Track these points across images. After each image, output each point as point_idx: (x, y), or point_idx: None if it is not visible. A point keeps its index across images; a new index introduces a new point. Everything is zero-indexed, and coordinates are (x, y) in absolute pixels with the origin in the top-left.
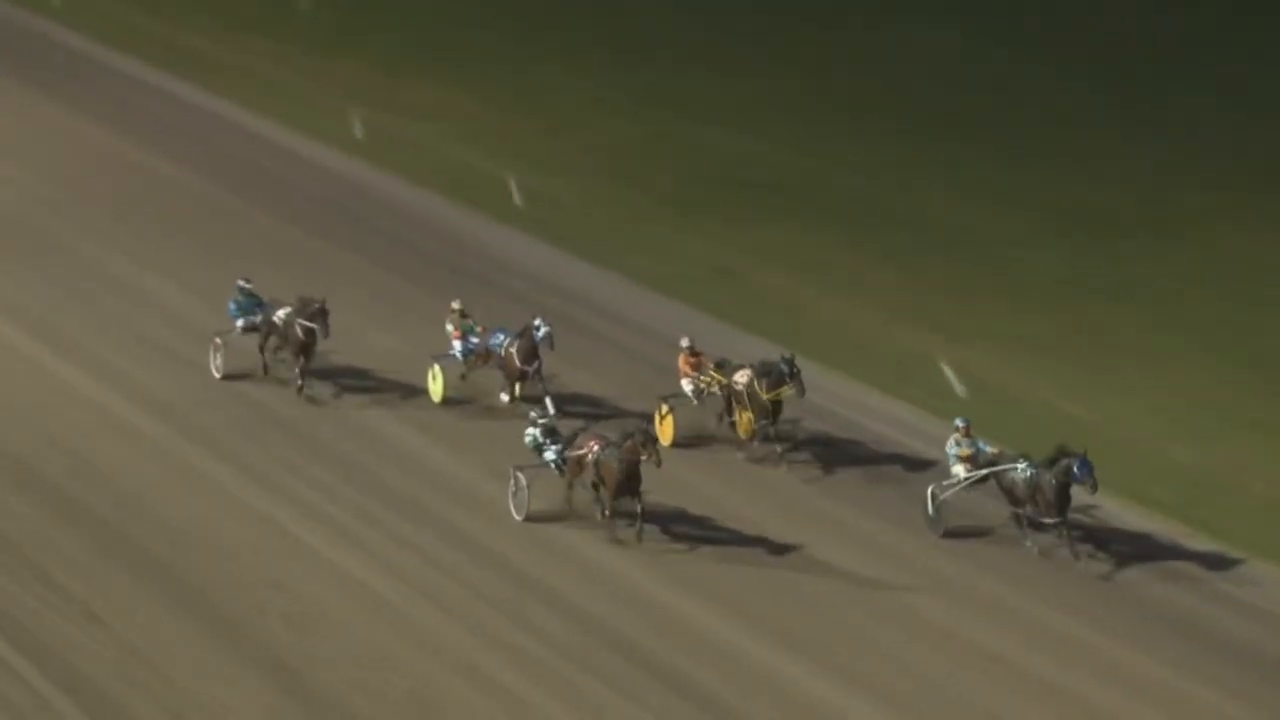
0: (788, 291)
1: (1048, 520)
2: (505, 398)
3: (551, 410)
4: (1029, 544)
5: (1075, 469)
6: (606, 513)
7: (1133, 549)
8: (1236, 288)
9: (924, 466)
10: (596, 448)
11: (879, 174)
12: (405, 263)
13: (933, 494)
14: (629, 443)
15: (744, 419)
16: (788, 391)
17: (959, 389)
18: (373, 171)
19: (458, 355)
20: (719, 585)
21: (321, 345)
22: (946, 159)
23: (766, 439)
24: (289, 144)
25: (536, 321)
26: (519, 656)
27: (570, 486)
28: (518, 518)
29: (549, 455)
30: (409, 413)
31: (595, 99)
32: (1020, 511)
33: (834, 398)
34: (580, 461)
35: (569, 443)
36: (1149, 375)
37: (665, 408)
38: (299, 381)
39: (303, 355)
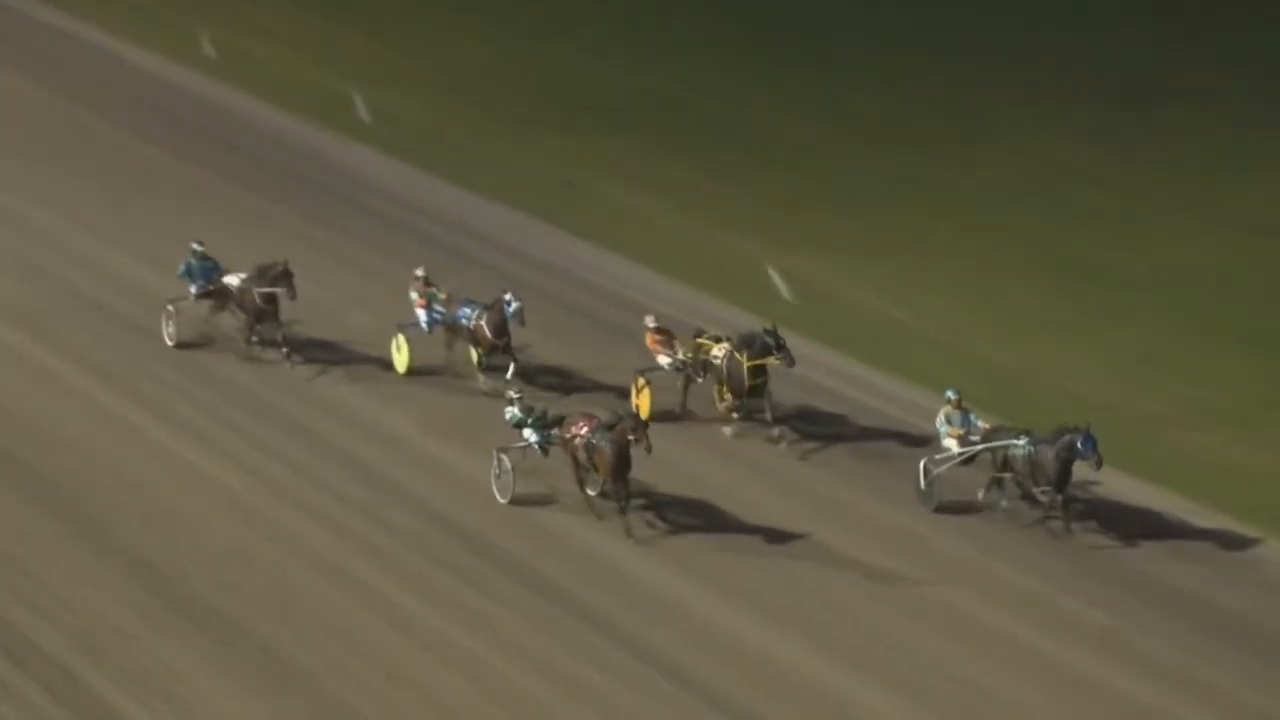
0: (627, 203)
1: (1043, 496)
2: (480, 377)
3: (515, 394)
4: (1004, 504)
5: (1079, 444)
6: (594, 494)
7: (1135, 525)
8: (1044, 193)
9: (918, 442)
10: (586, 430)
11: (713, 93)
12: (263, 181)
13: (925, 468)
14: (619, 426)
15: (721, 391)
16: (774, 362)
17: (785, 293)
18: (227, 90)
19: (423, 324)
20: (679, 548)
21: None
22: (774, 78)
23: (757, 418)
24: (141, 62)
25: (507, 296)
26: (378, 555)
27: (578, 475)
28: (502, 501)
29: (532, 437)
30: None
31: (449, 22)
32: (1002, 477)
33: (833, 373)
34: (570, 444)
35: (555, 424)
36: (965, 278)
37: (642, 382)
38: (251, 344)
39: (261, 321)
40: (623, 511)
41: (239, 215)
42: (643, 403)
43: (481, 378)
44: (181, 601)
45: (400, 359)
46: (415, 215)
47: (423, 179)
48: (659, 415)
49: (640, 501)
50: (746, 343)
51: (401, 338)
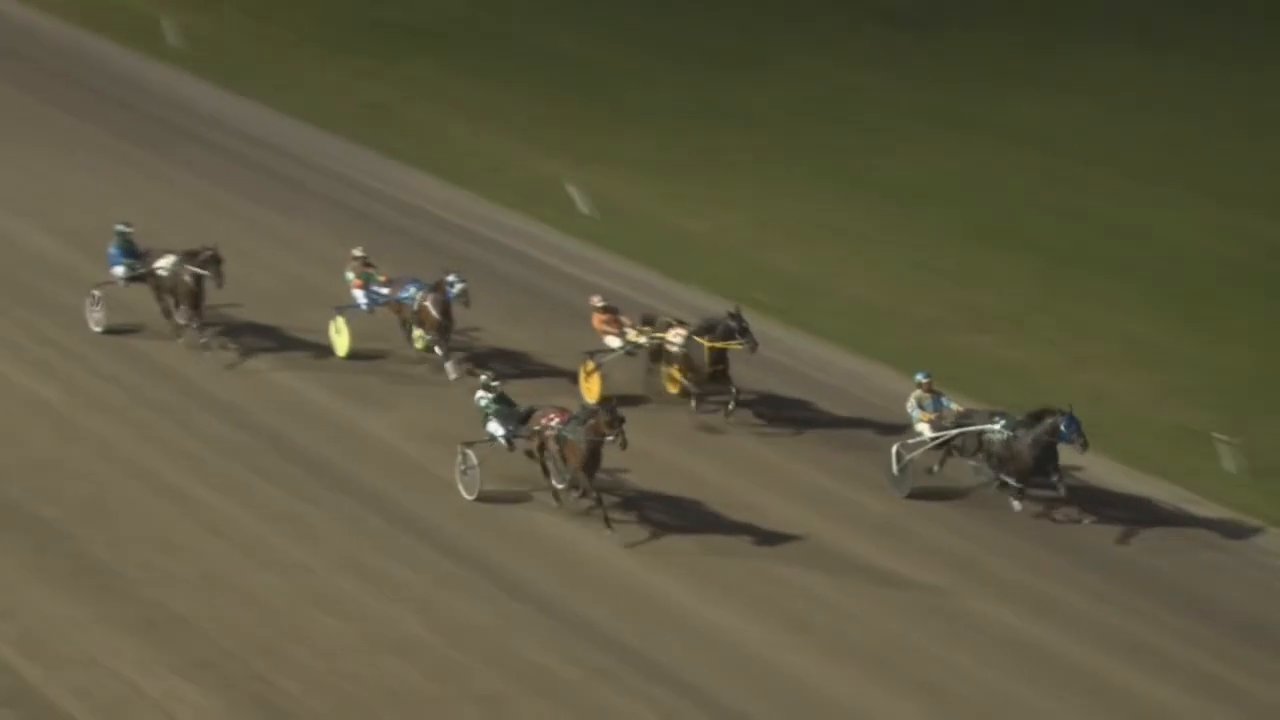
0: (433, 123)
1: (1010, 480)
2: (439, 351)
3: (453, 376)
4: (1016, 503)
5: (1063, 428)
6: (559, 489)
7: (1125, 515)
8: (828, 112)
9: (890, 429)
10: (557, 422)
11: (516, 16)
12: (76, 102)
13: (898, 453)
14: (593, 421)
15: (671, 374)
16: (737, 347)
17: (584, 207)
18: (34, 13)
19: (362, 305)
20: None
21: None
22: (573, 1)
23: (729, 413)
24: None
25: (450, 278)
26: (194, 463)
27: (542, 466)
28: (468, 498)
29: (497, 431)
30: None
31: None
32: (976, 463)
33: (632, 283)
34: (539, 437)
35: (524, 419)
36: (754, 192)
37: (591, 365)
38: (182, 331)
39: (190, 304)
40: (599, 504)
41: (51, 135)
42: (592, 388)
43: (422, 348)
44: (2, 510)
45: (340, 341)
46: (229, 137)
47: (233, 101)
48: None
49: (605, 494)
50: (708, 327)
51: (340, 320)
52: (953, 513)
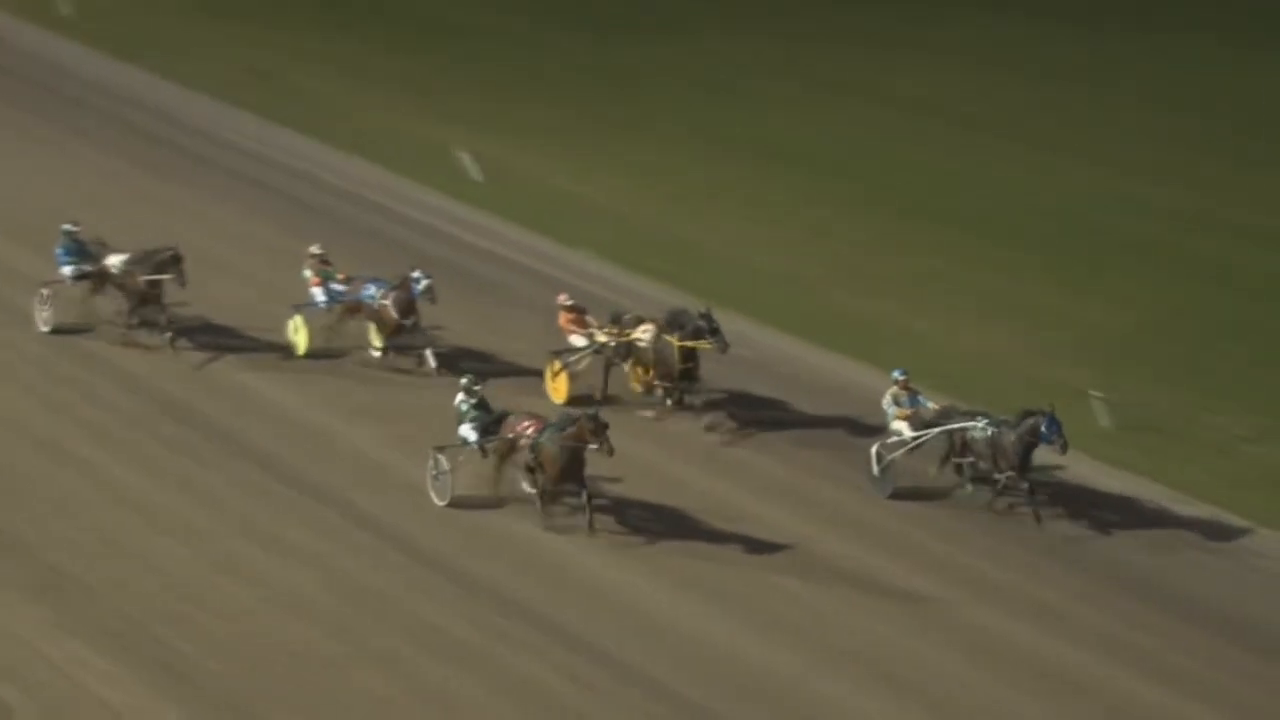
0: (322, 91)
1: (1001, 477)
2: (376, 353)
3: (433, 364)
4: (968, 488)
5: (1044, 428)
6: (540, 499)
7: (1105, 514)
8: (717, 80)
9: (868, 431)
10: (532, 430)
11: None
12: None
13: (878, 454)
14: (574, 428)
15: (637, 373)
16: (707, 346)
17: (474, 174)
18: None
19: (320, 304)
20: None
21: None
22: None
23: (680, 403)
24: None
25: (415, 274)
26: (96, 431)
27: (498, 470)
28: (440, 504)
29: (469, 436)
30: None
31: None
32: (962, 462)
33: (521, 248)
34: (513, 444)
35: (496, 424)
36: (643, 158)
37: (558, 365)
38: (130, 328)
39: (143, 305)
40: (590, 526)
41: None
42: (559, 388)
43: (378, 353)
44: None
45: (299, 340)
46: (120, 105)
47: (123, 70)
48: (577, 399)
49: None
50: (677, 324)
51: (299, 319)
52: (933, 512)
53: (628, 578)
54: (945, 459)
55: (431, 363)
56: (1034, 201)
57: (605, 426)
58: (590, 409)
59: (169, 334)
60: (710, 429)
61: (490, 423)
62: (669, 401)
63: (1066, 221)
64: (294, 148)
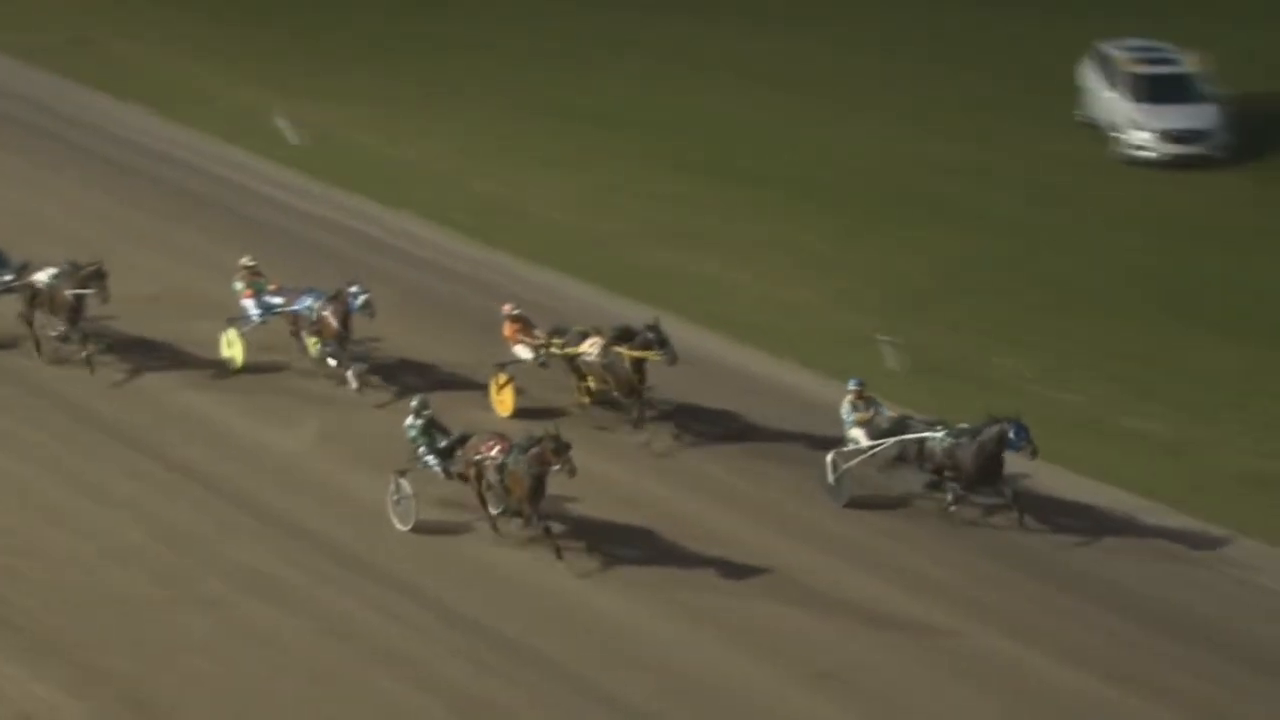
0: (142, 57)
1: (965, 489)
2: (334, 362)
3: (354, 385)
4: (952, 507)
5: (1011, 435)
6: (524, 523)
7: (1076, 523)
8: (522, 42)
9: (824, 443)
10: (498, 451)
11: None
12: None
13: (833, 462)
14: (537, 449)
15: (583, 387)
16: (655, 357)
17: (292, 138)
18: None
19: (254, 317)
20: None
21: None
22: None
23: (633, 416)
24: None
25: (353, 289)
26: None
27: (483, 499)
28: (402, 529)
29: (430, 460)
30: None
31: None
32: (935, 476)
33: (338, 208)
34: (479, 467)
35: (457, 445)
36: (453, 120)
37: (504, 377)
38: (65, 340)
39: (71, 321)
40: (547, 533)
41: None
42: (505, 400)
43: (333, 365)
44: None
45: (233, 354)
46: None
47: None
48: (521, 412)
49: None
50: (625, 336)
51: (233, 332)
52: (893, 521)
53: (499, 552)
54: (897, 461)
55: (353, 384)
56: (833, 158)
57: (568, 447)
58: (552, 429)
59: (86, 351)
60: (637, 428)
61: (452, 444)
62: (636, 413)
63: (862, 176)
64: (108, 112)
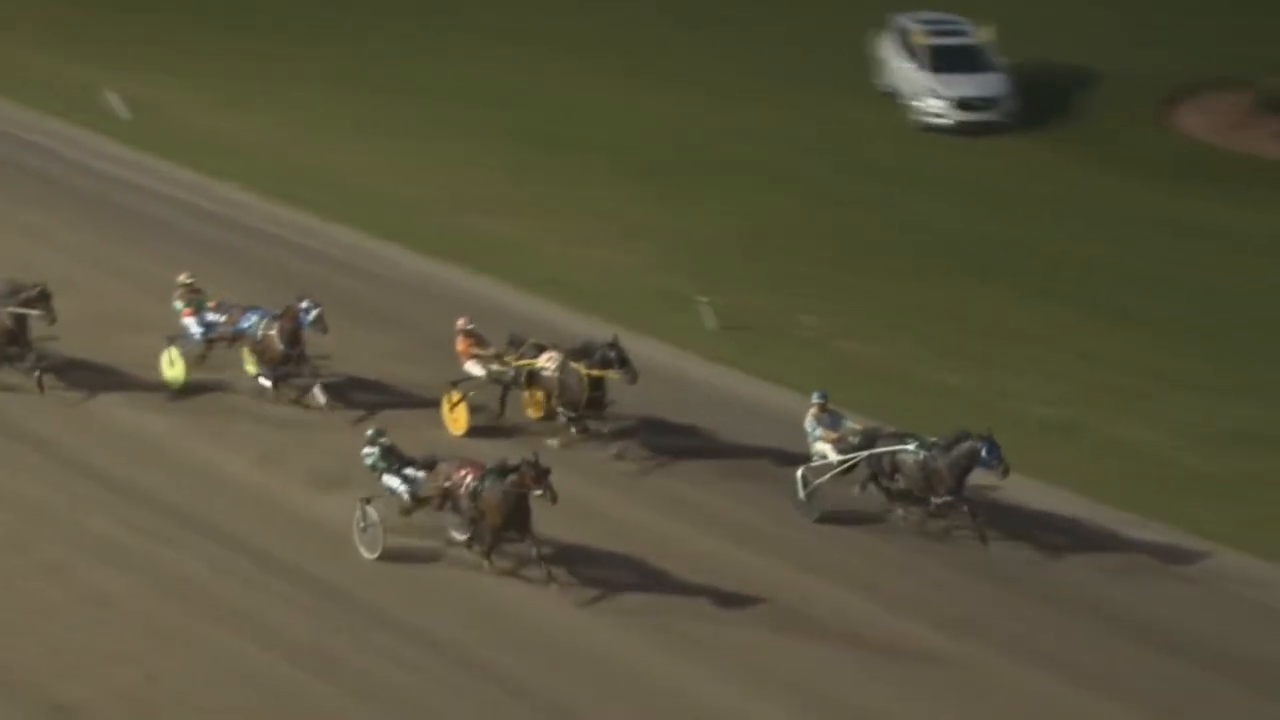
0: None
1: (938, 501)
2: (267, 383)
3: (322, 401)
4: (900, 512)
5: (984, 453)
6: (486, 552)
7: (1051, 535)
8: (350, 20)
9: (792, 460)
10: (470, 477)
11: None
12: None
13: (804, 478)
14: (516, 475)
15: (535, 399)
16: (615, 376)
17: (122, 113)
18: None
19: (195, 335)
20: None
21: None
22: None
23: (585, 430)
24: None
25: (304, 304)
26: None
27: (411, 510)
28: (370, 557)
29: (396, 485)
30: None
31: None
32: (891, 485)
33: (166, 180)
34: (449, 493)
35: (425, 469)
36: (279, 96)
37: (456, 395)
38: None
39: (14, 344)
40: (548, 577)
41: None
42: (458, 419)
43: (269, 390)
44: None
45: (174, 373)
46: None
47: None
48: (476, 430)
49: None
50: (584, 352)
51: (174, 351)
52: (859, 535)
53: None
54: (870, 480)
55: (320, 399)
56: (646, 127)
57: (547, 472)
58: (529, 455)
59: (36, 372)
60: (619, 457)
61: (419, 469)
62: (574, 430)
63: (675, 144)
64: None
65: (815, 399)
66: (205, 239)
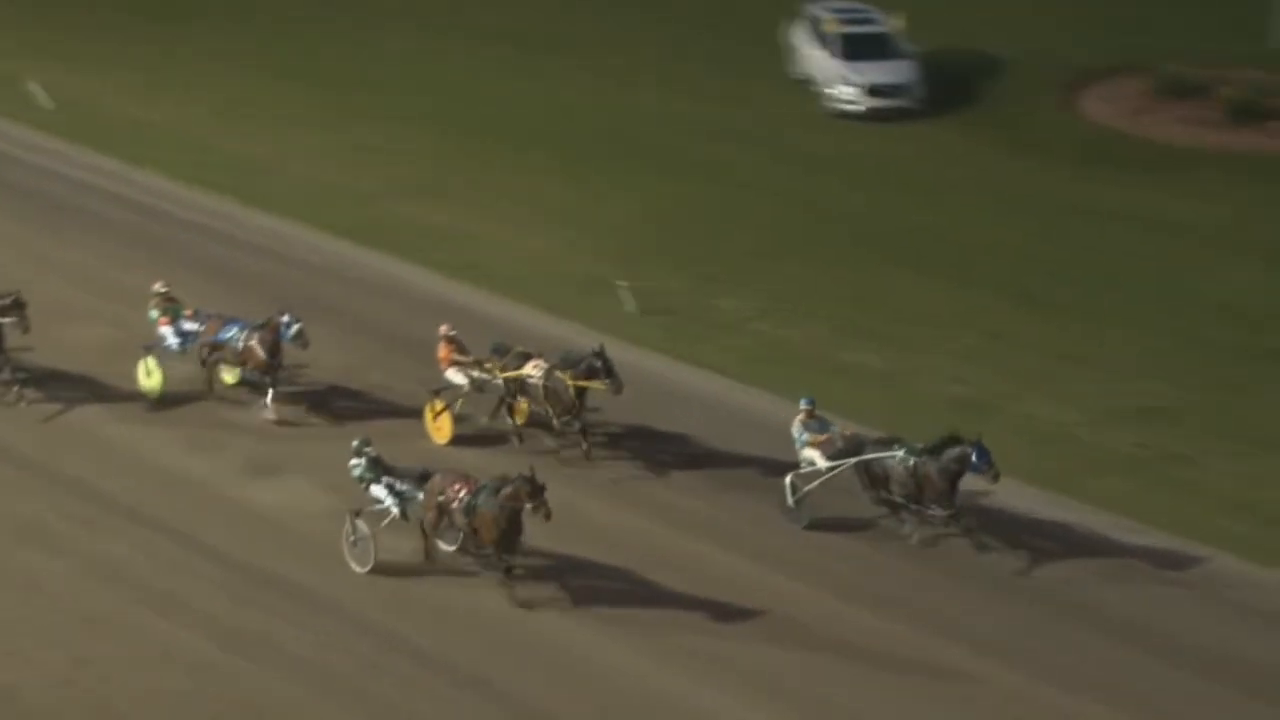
0: None
1: (932, 510)
2: (269, 405)
3: (272, 416)
4: (908, 529)
5: (974, 458)
6: (504, 572)
7: (1044, 541)
8: (278, 12)
9: (780, 469)
10: (464, 492)
11: None
12: None
13: (792, 485)
14: (510, 489)
15: (520, 407)
16: (600, 386)
17: (45, 102)
18: None
19: (172, 344)
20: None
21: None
22: None
23: (577, 430)
24: None
25: (285, 318)
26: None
27: (428, 539)
28: (360, 571)
29: (387, 500)
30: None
31: None
32: (887, 495)
33: (86, 168)
34: (443, 509)
35: (418, 483)
36: (204, 85)
37: (440, 404)
38: None
39: None
40: (509, 573)
41: None
42: (442, 428)
43: (267, 402)
44: None
45: (151, 383)
46: None
47: None
48: (459, 440)
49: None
50: (569, 362)
51: (151, 360)
52: (851, 543)
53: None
54: (868, 489)
55: (271, 415)
56: (563, 114)
57: (543, 488)
58: (526, 470)
59: (15, 384)
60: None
61: (412, 482)
62: (584, 438)
63: (593, 131)
64: None
65: (803, 405)
66: (129, 226)
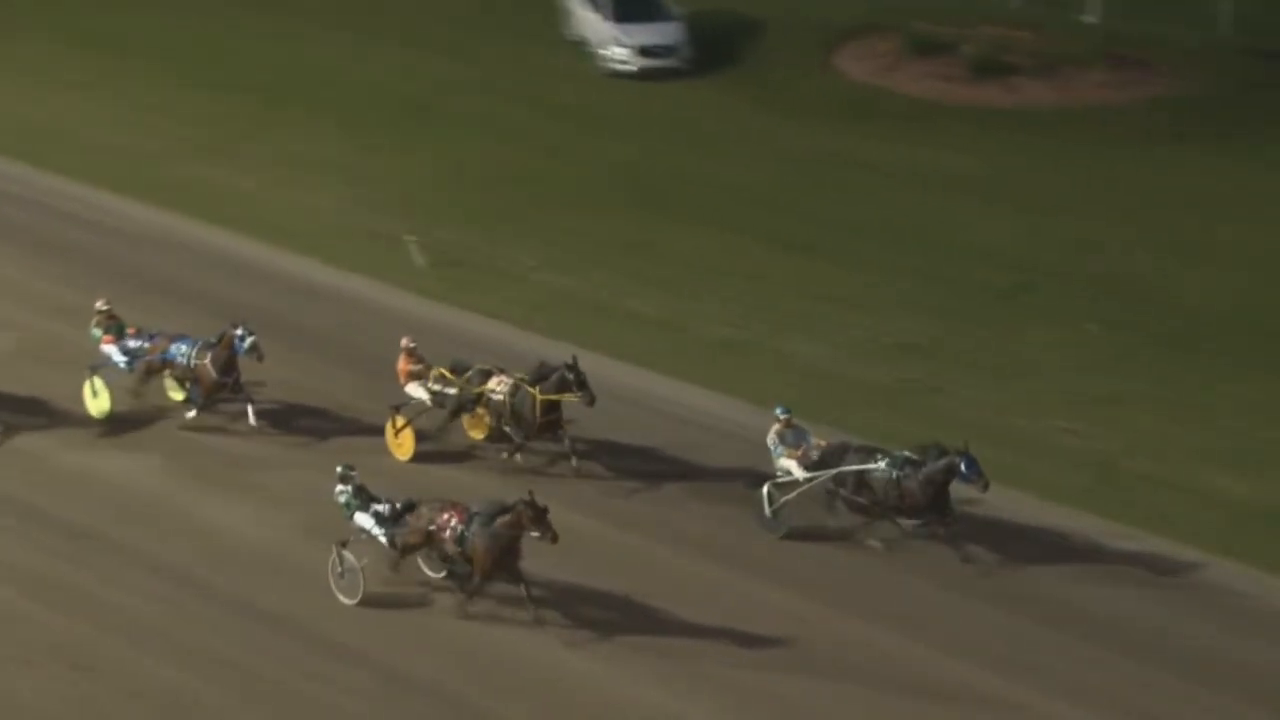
0: None
1: (910, 523)
2: (191, 414)
3: (253, 422)
4: (874, 541)
5: (963, 468)
6: (470, 594)
7: (1028, 545)
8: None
9: (752, 477)
10: (456, 521)
11: None
12: None
13: (769, 494)
14: (511, 516)
15: (481, 421)
16: (573, 399)
17: None
18: None
19: (119, 363)
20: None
21: None
22: None
23: (567, 448)
24: None
25: (239, 331)
26: None
27: (400, 555)
28: (349, 603)
29: (374, 529)
30: None
31: None
32: (855, 499)
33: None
34: (431, 537)
35: (404, 512)
36: (93, 81)
37: (401, 420)
38: None
39: None
40: (535, 617)
41: None
42: (404, 444)
43: (190, 416)
44: None
45: (98, 404)
46: None
47: None
48: (421, 455)
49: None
50: (541, 376)
51: (98, 380)
52: (826, 550)
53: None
54: (834, 497)
55: (252, 421)
56: (343, 78)
57: (545, 511)
58: (526, 495)
59: None
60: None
61: (397, 512)
62: (517, 456)
63: (372, 93)
64: None
65: (779, 414)
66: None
